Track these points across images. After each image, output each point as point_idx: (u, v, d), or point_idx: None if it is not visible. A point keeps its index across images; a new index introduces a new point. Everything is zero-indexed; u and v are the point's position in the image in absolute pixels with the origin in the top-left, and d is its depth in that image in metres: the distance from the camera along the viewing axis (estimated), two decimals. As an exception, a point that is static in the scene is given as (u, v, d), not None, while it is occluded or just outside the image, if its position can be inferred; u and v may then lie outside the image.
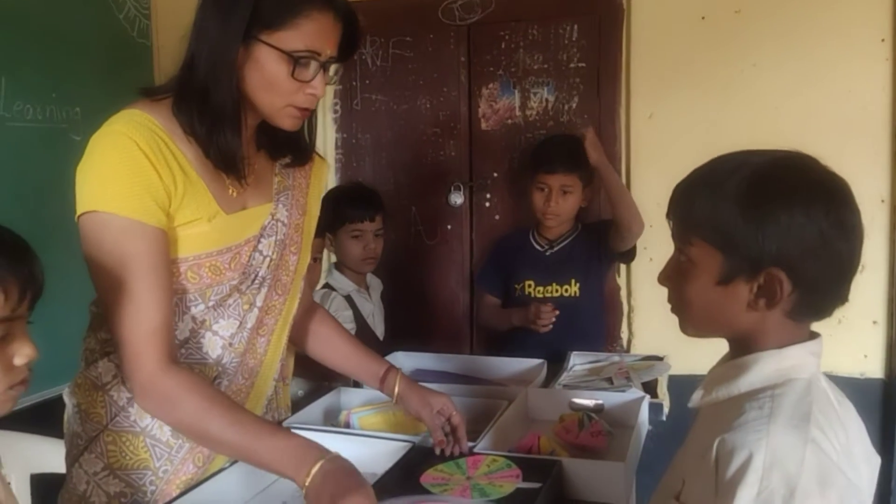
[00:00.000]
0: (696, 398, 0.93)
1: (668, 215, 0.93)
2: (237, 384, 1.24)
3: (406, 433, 1.40)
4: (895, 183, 2.21)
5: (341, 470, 1.00)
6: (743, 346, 0.89)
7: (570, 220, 2.28)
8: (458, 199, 2.64)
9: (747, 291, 0.85)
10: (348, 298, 2.12)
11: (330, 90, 2.70)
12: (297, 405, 1.57)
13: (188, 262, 1.14)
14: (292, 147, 1.26)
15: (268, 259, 1.23)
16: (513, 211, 2.62)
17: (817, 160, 0.85)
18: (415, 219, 2.71)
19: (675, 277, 0.92)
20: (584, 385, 1.77)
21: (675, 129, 2.38)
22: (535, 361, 1.86)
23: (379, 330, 2.22)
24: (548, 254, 2.28)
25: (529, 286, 2.26)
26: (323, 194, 1.39)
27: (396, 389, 1.38)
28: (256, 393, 1.29)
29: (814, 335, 0.89)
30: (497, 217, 2.66)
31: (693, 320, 0.92)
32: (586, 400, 1.57)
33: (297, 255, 1.31)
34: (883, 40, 2.20)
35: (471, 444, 1.32)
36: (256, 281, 1.23)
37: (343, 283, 2.16)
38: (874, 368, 2.28)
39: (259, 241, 1.22)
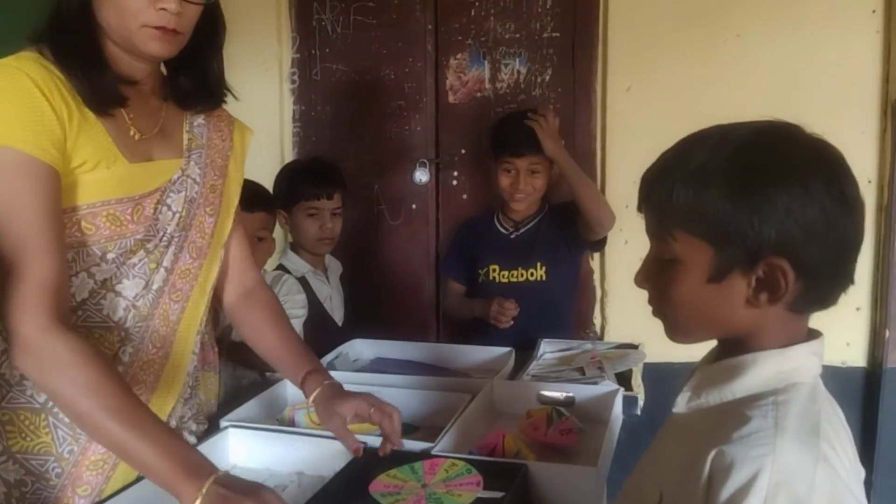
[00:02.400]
0: (682, 403, 0.81)
1: (639, 208, 0.81)
2: (147, 353, 1.13)
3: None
4: (883, 163, 2.13)
5: (228, 492, 0.89)
6: (737, 345, 0.78)
7: (538, 200, 2.17)
8: (423, 176, 2.51)
9: (745, 286, 0.74)
10: (303, 280, 1.98)
11: (287, 59, 2.55)
12: (238, 397, 1.43)
13: (82, 210, 1.04)
14: (197, 92, 1.18)
15: (177, 216, 1.15)
16: (481, 190, 2.49)
17: (803, 128, 0.75)
18: (377, 197, 2.57)
19: (655, 278, 0.80)
20: (553, 376, 1.66)
21: (654, 104, 2.27)
22: (503, 350, 1.76)
23: (337, 315, 2.08)
24: (512, 236, 2.18)
25: (494, 270, 2.15)
26: (244, 162, 1.31)
27: (313, 397, 1.21)
28: (173, 365, 1.17)
29: (813, 333, 0.79)
30: (464, 196, 2.53)
31: (682, 325, 0.80)
32: (556, 392, 1.46)
33: (215, 217, 1.22)
34: (874, 11, 2.12)
35: (430, 444, 1.20)
36: (164, 239, 1.13)
37: (298, 264, 2.02)
38: (856, 357, 2.22)
39: (167, 195, 1.14)
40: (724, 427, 0.72)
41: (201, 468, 0.90)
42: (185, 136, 1.19)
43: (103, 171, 1.04)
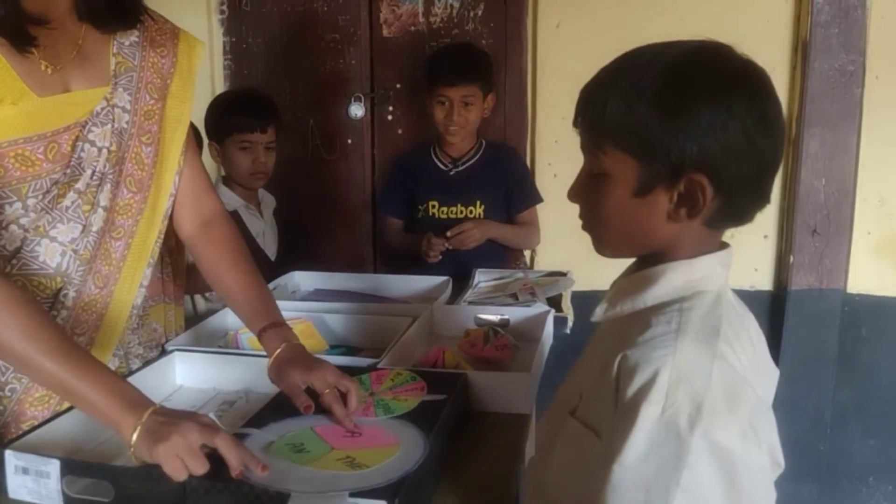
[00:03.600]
0: (599, 312, 0.86)
1: (574, 122, 0.83)
2: (88, 294, 1.11)
3: (317, 349, 1.31)
4: (792, 98, 2.25)
5: (166, 419, 0.89)
6: (652, 258, 0.83)
7: (473, 134, 2.21)
8: (358, 111, 2.50)
9: (667, 201, 0.77)
10: (235, 215, 1.96)
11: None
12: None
13: None
14: (111, 10, 1.07)
15: (105, 151, 1.09)
16: (416, 125, 2.50)
17: (733, 48, 0.78)
18: (312, 132, 2.54)
19: (586, 193, 0.83)
20: (489, 301, 1.73)
21: (583, 40, 2.31)
22: (440, 279, 1.82)
23: (270, 250, 2.09)
24: (452, 173, 2.21)
25: (433, 206, 2.20)
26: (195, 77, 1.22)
27: (276, 356, 1.11)
28: (118, 303, 1.16)
29: (723, 245, 0.84)
30: (400, 131, 2.54)
31: (609, 239, 0.84)
32: (492, 315, 1.53)
33: (154, 145, 1.16)
34: (787, -50, 2.19)
35: (374, 360, 1.26)
36: (95, 177, 1.08)
37: (230, 198, 1.99)
38: (763, 281, 2.37)
39: (87, 130, 1.07)
40: (632, 333, 0.77)
41: (140, 402, 0.90)
42: (113, 60, 1.10)
43: (8, 109, 0.98)
